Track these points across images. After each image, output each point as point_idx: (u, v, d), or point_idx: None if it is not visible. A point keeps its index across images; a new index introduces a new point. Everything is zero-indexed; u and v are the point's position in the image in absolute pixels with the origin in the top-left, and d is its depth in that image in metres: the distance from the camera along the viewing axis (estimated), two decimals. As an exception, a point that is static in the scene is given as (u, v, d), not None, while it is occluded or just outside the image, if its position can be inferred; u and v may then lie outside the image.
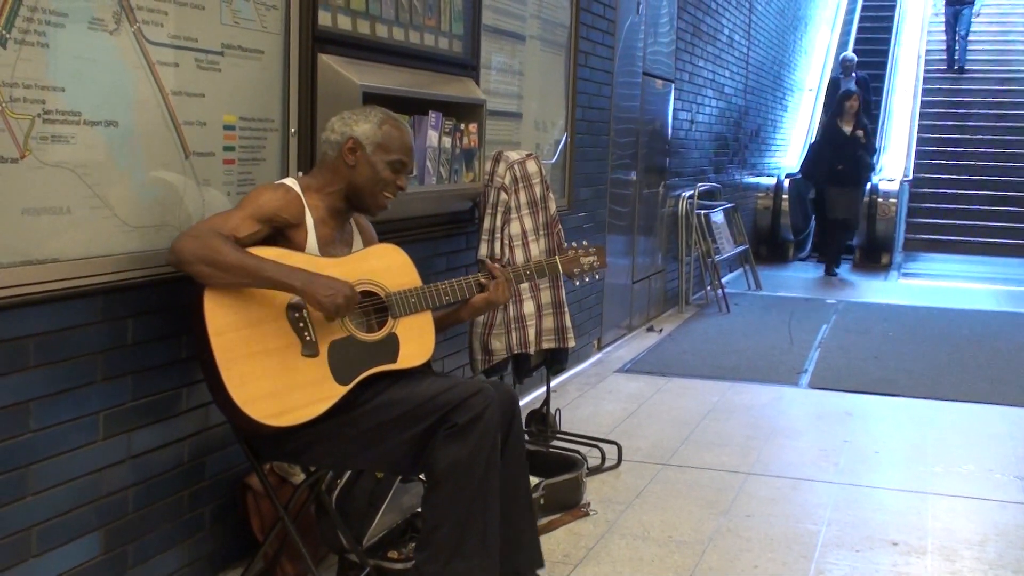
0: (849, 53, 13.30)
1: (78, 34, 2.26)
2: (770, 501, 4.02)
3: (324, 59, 3.07)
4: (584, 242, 3.13)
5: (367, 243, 2.85)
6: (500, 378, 4.41)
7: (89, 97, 2.29)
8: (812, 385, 6.01)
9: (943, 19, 15.77)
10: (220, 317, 2.39)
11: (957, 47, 15.45)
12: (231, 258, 2.38)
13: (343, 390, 2.54)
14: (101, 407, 2.50)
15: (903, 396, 5.77)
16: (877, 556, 3.49)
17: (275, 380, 2.44)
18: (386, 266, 2.72)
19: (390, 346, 2.66)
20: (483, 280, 2.89)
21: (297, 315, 2.49)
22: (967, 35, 15.54)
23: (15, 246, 2.15)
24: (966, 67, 15.32)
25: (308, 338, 2.50)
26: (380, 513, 3.24)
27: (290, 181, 2.64)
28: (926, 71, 14.83)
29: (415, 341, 2.71)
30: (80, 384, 2.43)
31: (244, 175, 2.83)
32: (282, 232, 2.57)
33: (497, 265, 2.97)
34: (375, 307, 2.67)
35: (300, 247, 2.59)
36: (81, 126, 2.28)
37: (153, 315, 2.63)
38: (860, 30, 16.23)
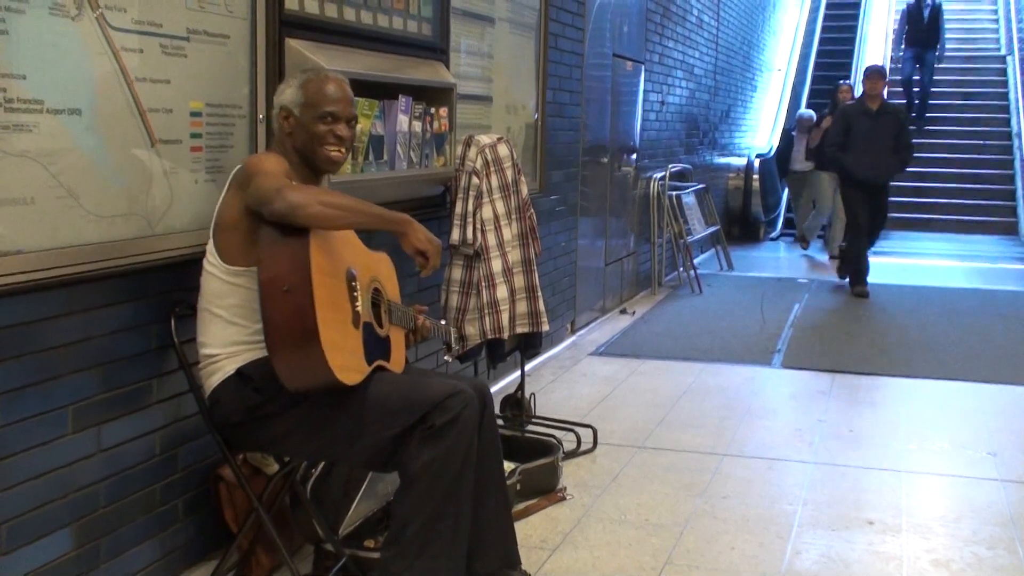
0: (805, 111, 12.06)
1: (39, 20, 2.20)
2: (746, 482, 4.03)
3: (291, 43, 3.02)
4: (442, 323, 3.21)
5: None
6: (475, 364, 4.40)
7: (51, 85, 2.24)
8: (785, 365, 6.04)
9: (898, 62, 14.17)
10: (319, 256, 2.36)
11: (916, 101, 13.94)
12: (338, 196, 2.40)
13: (367, 369, 2.55)
14: (70, 400, 2.46)
15: (876, 375, 5.81)
16: (853, 535, 3.51)
17: (337, 334, 2.42)
18: (387, 274, 2.80)
19: (387, 345, 2.70)
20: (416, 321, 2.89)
21: (353, 284, 2.51)
22: (930, 82, 13.98)
23: (-23, 238, 2.10)
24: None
25: (356, 309, 2.52)
26: (355, 502, 3.23)
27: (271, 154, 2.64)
28: (893, 51, 14.88)
29: (397, 351, 2.76)
30: (47, 377, 2.38)
31: (212, 162, 2.78)
32: None
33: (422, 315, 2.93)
34: (379, 307, 2.69)
35: None
36: (44, 114, 2.23)
37: (121, 306, 2.59)
38: (828, 7, 16.28)
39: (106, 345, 2.55)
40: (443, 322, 3.24)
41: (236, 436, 2.61)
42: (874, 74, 8.40)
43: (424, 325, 2.89)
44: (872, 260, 9.96)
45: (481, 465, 2.65)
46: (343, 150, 2.67)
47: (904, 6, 14.29)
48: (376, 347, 2.62)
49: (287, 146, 2.64)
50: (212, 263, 2.53)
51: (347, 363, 2.44)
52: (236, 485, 2.91)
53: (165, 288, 2.72)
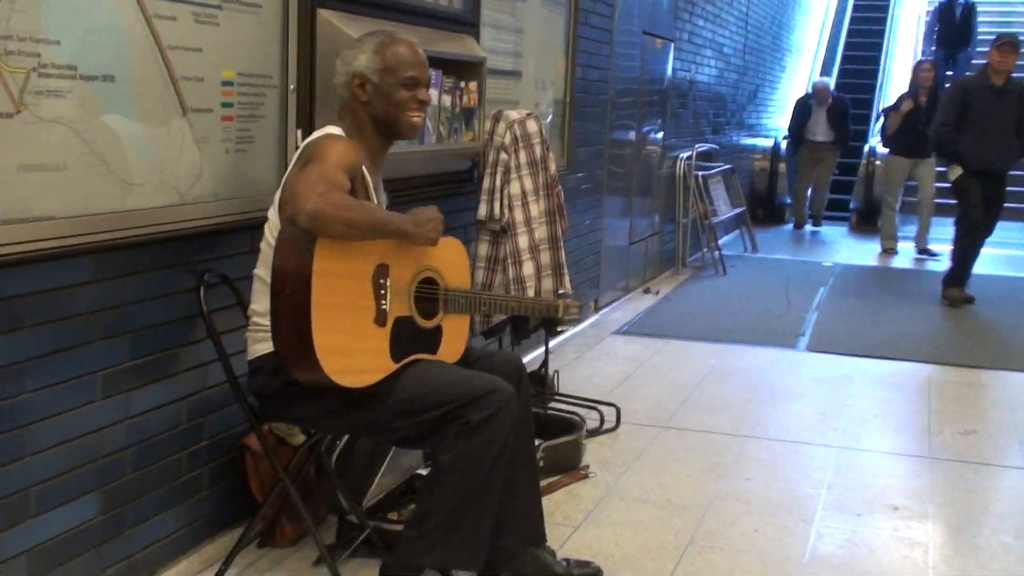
0: (820, 80, 12.07)
1: (73, -15, 2.19)
2: (769, 464, 4.01)
3: (323, 14, 3.00)
4: (571, 293, 3.09)
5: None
6: (499, 340, 4.39)
7: (85, 51, 2.23)
8: (810, 348, 6.00)
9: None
10: (326, 259, 2.32)
11: None
12: (366, 215, 2.33)
13: (393, 367, 2.50)
14: (99, 367, 2.47)
15: (903, 360, 5.76)
16: (878, 520, 3.49)
17: (347, 337, 2.40)
18: (450, 260, 2.69)
19: (435, 337, 2.64)
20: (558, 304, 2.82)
21: (381, 282, 2.45)
22: None
23: (10, 203, 2.10)
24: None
25: (383, 307, 2.46)
26: (379, 474, 3.23)
27: (337, 131, 2.55)
28: (925, 32, 14.68)
29: (454, 339, 2.70)
30: (77, 344, 2.39)
31: (243, 132, 2.77)
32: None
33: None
34: (433, 297, 2.63)
35: (363, 199, 2.52)
36: (77, 80, 2.22)
37: (150, 274, 2.59)
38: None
39: (135, 313, 2.56)
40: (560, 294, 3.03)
41: (268, 407, 2.61)
42: (1007, 45, 7.00)
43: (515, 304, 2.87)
44: (900, 245, 9.90)
45: (513, 440, 2.63)
46: (422, 114, 2.63)
47: (936, 4, 14.00)
48: (415, 341, 2.56)
49: (360, 115, 2.58)
50: (271, 233, 2.51)
51: (352, 366, 2.40)
52: (262, 455, 2.92)
53: (194, 257, 2.73)
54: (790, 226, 11.84)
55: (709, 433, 4.36)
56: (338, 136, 2.51)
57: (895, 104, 9.81)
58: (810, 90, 12.31)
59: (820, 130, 11.12)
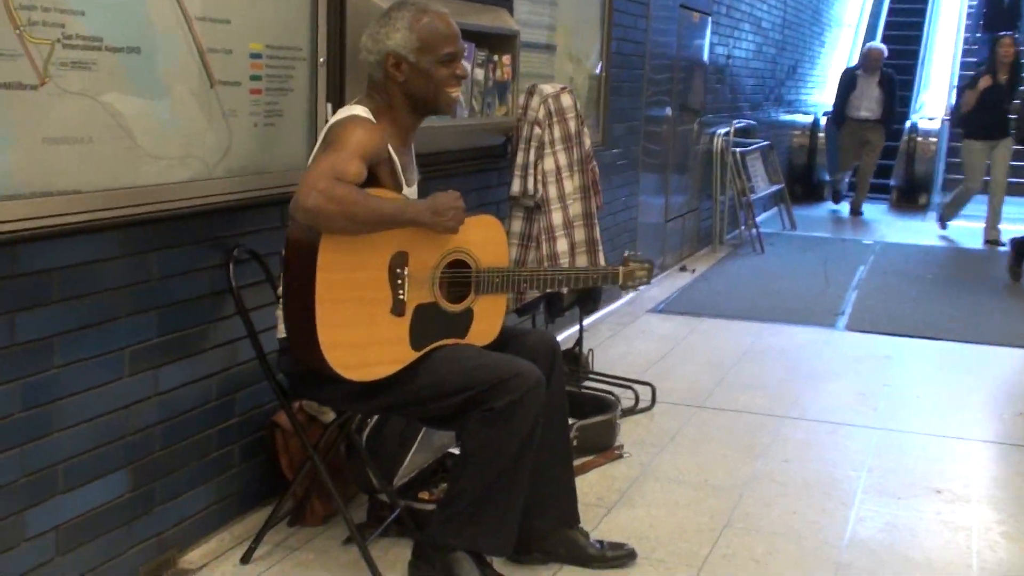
0: (876, 44, 11.26)
1: (98, -46, 2.15)
2: (807, 445, 3.93)
3: (353, -15, 2.95)
4: (638, 253, 3.00)
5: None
6: (532, 318, 4.34)
7: (110, 22, 2.20)
8: (849, 327, 5.89)
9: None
10: (332, 254, 2.28)
11: None
12: (370, 210, 2.25)
13: (414, 355, 2.45)
14: (127, 343, 2.44)
15: (944, 340, 5.64)
16: (920, 504, 3.40)
17: (359, 331, 2.36)
18: (483, 239, 2.60)
19: (464, 320, 2.58)
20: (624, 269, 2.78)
21: (398, 271, 2.40)
22: None
23: (36, 176, 2.07)
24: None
25: (401, 297, 2.41)
26: (411, 453, 3.19)
27: (363, 112, 2.45)
28: (969, 3, 14.37)
29: (487, 320, 2.63)
30: (105, 319, 2.37)
31: (271, 105, 2.73)
32: (370, 170, 2.40)
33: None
34: (463, 279, 2.57)
35: (388, 184, 2.46)
36: (103, 52, 2.18)
37: (178, 249, 2.56)
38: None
39: (163, 289, 2.53)
40: (627, 256, 2.87)
41: (297, 386, 2.58)
42: None
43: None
44: (956, 224, 9.69)
45: (546, 421, 2.58)
46: (461, 88, 2.56)
47: None
48: (441, 326, 2.51)
49: (394, 93, 2.49)
50: None
51: (363, 359, 2.37)
52: (292, 433, 2.89)
53: (223, 232, 2.69)
54: (829, 203, 11.66)
55: (746, 413, 4.29)
56: (361, 119, 2.42)
57: (971, 80, 9.15)
58: (859, 60, 11.34)
59: (866, 105, 10.50)
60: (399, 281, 2.41)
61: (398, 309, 2.42)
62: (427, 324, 2.48)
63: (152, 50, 2.32)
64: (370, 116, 2.45)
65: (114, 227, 2.30)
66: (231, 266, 2.65)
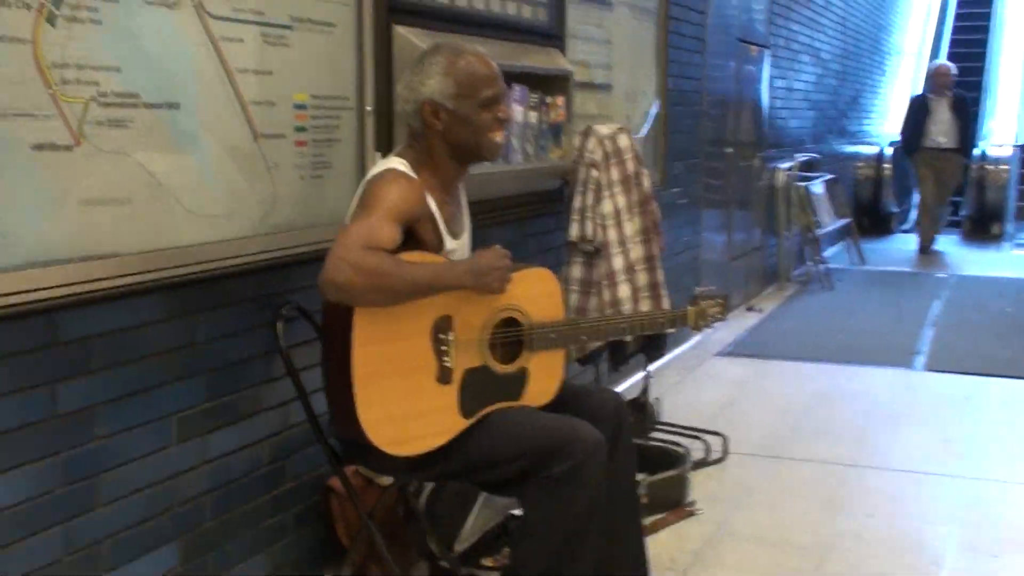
0: (943, 62, 10.54)
1: (133, 9, 2.07)
2: (892, 499, 3.70)
3: (399, 31, 2.85)
4: (712, 288, 2.85)
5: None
6: (596, 367, 4.18)
7: (147, 77, 2.11)
8: (928, 367, 5.63)
9: None
10: (369, 327, 2.15)
11: None
12: (404, 279, 2.11)
13: (464, 424, 2.31)
14: (173, 409, 2.34)
15: (1030, 378, 5.35)
16: (1018, 562, 3.16)
17: (403, 404, 2.22)
18: (534, 294, 2.45)
19: (518, 382, 2.42)
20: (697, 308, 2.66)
21: (442, 337, 2.26)
22: None
23: (73, 240, 1.99)
24: None
25: (447, 364, 2.27)
26: (472, 515, 3.05)
27: (401, 165, 2.31)
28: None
29: (543, 380, 2.47)
30: (149, 386, 2.26)
31: (317, 157, 2.63)
32: (409, 228, 2.27)
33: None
34: (514, 338, 2.42)
35: (430, 241, 2.32)
36: (139, 109, 2.10)
37: (224, 310, 2.46)
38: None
39: (210, 351, 2.43)
40: (697, 295, 2.76)
41: (349, 452, 2.45)
42: None
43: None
44: (1015, 253, 9.35)
45: (614, 484, 2.42)
46: (504, 132, 2.41)
47: None
48: (492, 390, 2.36)
49: (434, 143, 2.35)
50: None
51: (409, 433, 2.23)
52: (347, 497, 2.76)
53: (270, 290, 2.59)
54: (898, 236, 11.32)
55: (824, 463, 4.07)
56: (397, 174, 2.28)
57: None
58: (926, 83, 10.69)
59: (941, 131, 9.65)
60: (443, 347, 2.26)
61: (444, 377, 2.27)
62: (477, 389, 2.33)
63: (191, 105, 2.23)
64: (408, 169, 2.32)
65: (156, 290, 2.20)
66: (279, 325, 2.54)
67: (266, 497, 2.66)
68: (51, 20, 1.90)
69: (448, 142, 2.35)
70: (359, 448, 2.33)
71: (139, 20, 2.09)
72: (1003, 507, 3.60)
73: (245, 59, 2.37)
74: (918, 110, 9.99)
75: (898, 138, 12.20)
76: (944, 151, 9.75)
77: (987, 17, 14.39)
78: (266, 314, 2.57)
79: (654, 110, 4.98)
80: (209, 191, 2.30)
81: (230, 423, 2.52)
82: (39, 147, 1.90)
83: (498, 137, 2.38)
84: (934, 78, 10.00)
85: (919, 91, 13.00)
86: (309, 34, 2.57)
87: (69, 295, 1.99)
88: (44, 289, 1.93)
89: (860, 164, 11.45)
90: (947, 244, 10.64)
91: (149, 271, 2.15)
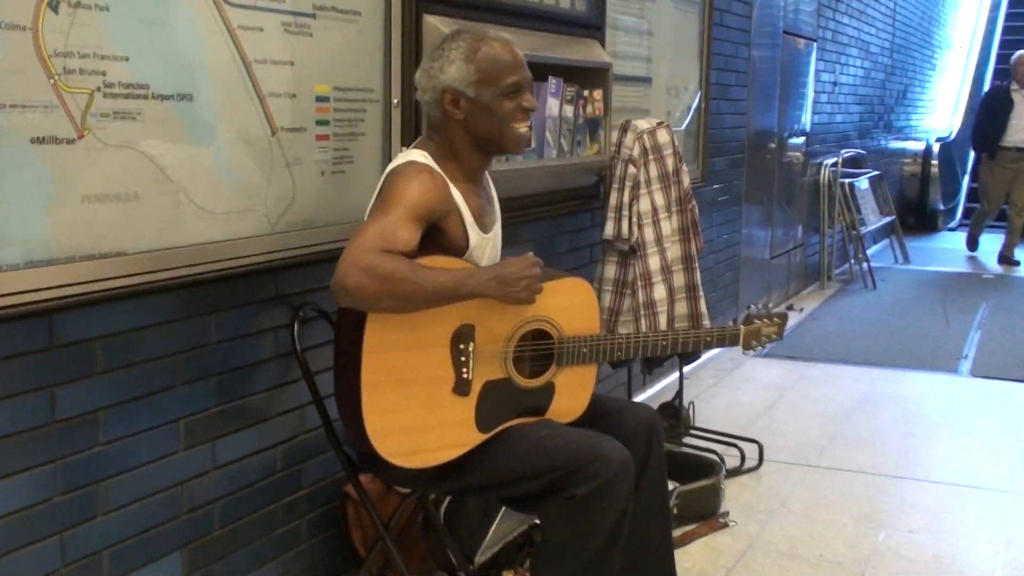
0: None
1: (144, -6, 1.97)
2: (935, 513, 3.54)
3: (430, 20, 2.73)
4: (769, 306, 2.71)
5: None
6: (628, 369, 4.05)
7: (158, 67, 2.01)
8: (975, 373, 5.43)
9: None
10: (380, 333, 2.04)
11: None
12: (421, 286, 1.99)
13: (481, 438, 2.19)
14: (181, 414, 2.24)
15: (1084, 387, 5.14)
16: (1072, 588, 3.00)
17: (415, 415, 2.11)
18: (567, 305, 2.31)
19: (543, 396, 2.30)
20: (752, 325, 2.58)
21: (462, 347, 2.14)
22: None
23: (75, 239, 1.89)
24: None
25: (465, 375, 2.15)
26: (495, 524, 2.94)
27: (422, 157, 2.18)
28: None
29: (570, 395, 2.34)
30: (156, 390, 2.17)
31: (340, 152, 2.52)
32: (434, 224, 2.16)
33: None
34: (543, 351, 2.29)
35: (458, 237, 2.20)
36: (149, 100, 2.00)
37: (238, 310, 2.35)
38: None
39: (222, 353, 2.33)
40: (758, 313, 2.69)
41: (364, 460, 2.34)
42: None
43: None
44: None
45: (644, 500, 2.30)
46: (529, 123, 2.26)
47: None
48: (514, 405, 2.24)
49: (455, 133, 2.23)
50: None
51: (419, 445, 2.12)
52: (363, 504, 2.65)
53: (287, 291, 2.49)
54: (944, 234, 11.03)
55: (864, 474, 3.91)
56: (419, 167, 2.15)
57: None
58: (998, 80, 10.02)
59: (1021, 128, 8.68)
60: (463, 358, 2.14)
61: (462, 388, 2.15)
62: (497, 403, 2.21)
63: (205, 97, 2.12)
64: (430, 161, 2.19)
65: (164, 290, 2.10)
66: (296, 326, 2.44)
67: (279, 504, 2.57)
68: (54, 6, 1.80)
69: (470, 132, 2.22)
70: (372, 458, 2.22)
71: (150, 7, 1.98)
72: (1053, 528, 3.44)
73: (264, 49, 2.25)
74: (999, 105, 8.96)
75: (947, 135, 11.91)
76: (1021, 151, 8.83)
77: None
78: (282, 315, 2.47)
79: (695, 102, 4.82)
80: (223, 187, 2.19)
81: (241, 428, 2.42)
82: (39, 140, 1.80)
83: (522, 128, 2.24)
84: (1021, 67, 8.94)
85: (972, 85, 12.69)
86: (333, 23, 2.45)
87: (71, 296, 1.89)
88: (44, 289, 1.84)
89: (907, 160, 11.17)
90: (993, 244, 10.34)
91: (157, 271, 2.05)
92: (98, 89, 1.89)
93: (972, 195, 12.04)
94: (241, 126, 2.22)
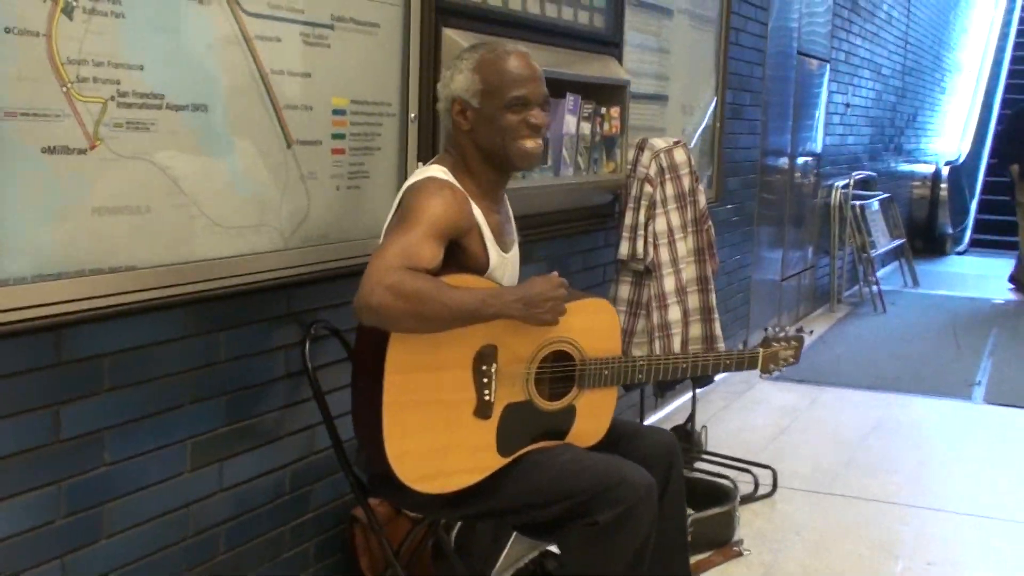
0: None
1: (160, 2, 1.91)
2: (954, 544, 3.46)
3: (448, 34, 2.67)
4: (789, 331, 2.66)
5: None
6: (640, 391, 3.98)
7: (173, 77, 1.95)
8: (988, 400, 5.36)
9: None
10: (403, 353, 1.98)
11: None
12: (446, 306, 1.92)
13: (502, 462, 2.12)
14: (189, 434, 2.18)
15: (1100, 416, 5.06)
16: (1098, 626, 2.92)
17: (436, 437, 2.05)
18: (589, 326, 2.26)
19: (565, 419, 2.23)
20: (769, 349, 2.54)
21: (484, 368, 2.08)
22: None
23: (85, 252, 1.83)
24: None
25: (487, 397, 2.09)
26: (506, 549, 2.86)
27: (441, 173, 2.14)
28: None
29: (592, 418, 2.28)
30: (163, 409, 2.10)
31: (356, 166, 2.46)
32: (455, 241, 2.10)
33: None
34: (565, 373, 2.23)
35: (478, 256, 2.14)
36: (163, 111, 1.94)
37: (249, 327, 2.29)
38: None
39: (231, 372, 2.26)
40: (779, 335, 2.64)
41: (376, 485, 2.27)
42: None
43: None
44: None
45: (663, 526, 2.22)
46: (539, 140, 2.17)
47: None
48: (535, 428, 2.18)
49: (465, 146, 2.18)
50: None
51: (440, 469, 2.05)
52: (372, 528, 2.58)
53: (299, 308, 2.42)
54: (952, 258, 10.96)
55: (879, 502, 3.83)
56: (440, 184, 2.10)
57: None
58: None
59: None
60: (485, 379, 2.08)
61: (483, 411, 2.09)
62: (519, 426, 2.14)
63: (220, 107, 2.06)
64: (449, 176, 2.14)
65: (176, 306, 2.03)
66: (307, 344, 2.37)
67: (286, 527, 2.49)
68: (68, 12, 1.74)
69: (477, 145, 2.17)
70: (385, 481, 2.15)
71: (167, 15, 1.93)
72: (1075, 562, 3.36)
73: (281, 60, 2.20)
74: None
75: (956, 158, 11.87)
76: None
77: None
78: (293, 332, 2.40)
79: (706, 121, 4.76)
80: (237, 201, 2.13)
81: (250, 448, 2.35)
82: (50, 150, 1.74)
83: (528, 143, 2.16)
84: None
85: (982, 110, 12.65)
86: (352, 35, 2.39)
87: (79, 311, 1.83)
88: (52, 304, 1.77)
89: (916, 183, 11.12)
90: (1000, 268, 10.27)
91: (167, 286, 1.99)
92: (112, 98, 1.83)
93: (979, 221, 12.01)
94: (256, 138, 2.16)
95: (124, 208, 1.88)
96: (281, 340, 2.38)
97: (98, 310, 1.87)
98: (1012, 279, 9.08)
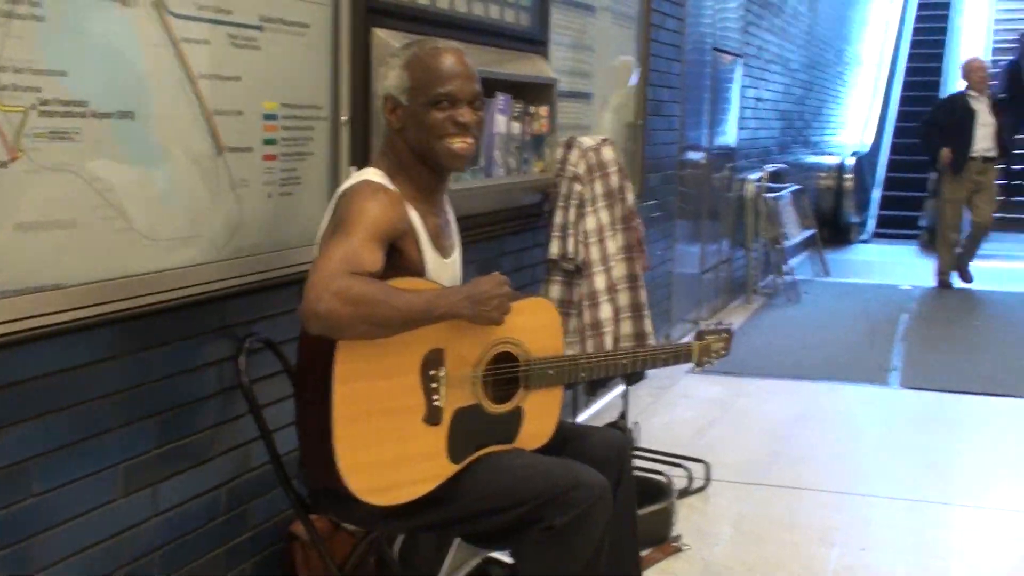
0: (977, 56, 9.13)
1: (82, 5, 1.81)
2: (886, 528, 3.53)
3: (379, 34, 2.60)
4: (720, 323, 2.72)
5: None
6: (574, 392, 3.96)
7: (97, 83, 1.84)
8: (905, 384, 5.50)
9: None
10: (351, 363, 1.91)
11: None
12: (395, 308, 1.87)
13: (453, 469, 2.07)
14: (120, 458, 2.07)
15: (1011, 396, 5.22)
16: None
17: (387, 448, 1.98)
18: (532, 325, 2.21)
19: (512, 422, 2.19)
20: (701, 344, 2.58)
21: (432, 373, 2.02)
22: None
23: (7, 271, 1.71)
24: None
25: (436, 403, 2.03)
26: (450, 556, 2.81)
27: (376, 176, 2.09)
28: (995, 41, 14.04)
29: (539, 420, 2.24)
30: (92, 433, 1.99)
31: (288, 173, 2.37)
32: (392, 244, 2.04)
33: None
34: (511, 374, 2.18)
35: (414, 260, 2.09)
36: (87, 119, 1.83)
37: (180, 344, 2.19)
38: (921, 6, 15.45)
39: (162, 391, 2.16)
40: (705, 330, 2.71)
41: (319, 501, 2.20)
42: None
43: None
44: (977, 264, 9.27)
45: (616, 527, 2.19)
46: (469, 140, 2.12)
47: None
48: (485, 432, 2.13)
49: (400, 147, 2.13)
50: None
51: (393, 480, 1.99)
52: (312, 545, 2.50)
53: (232, 321, 2.33)
54: (858, 246, 11.24)
55: (811, 491, 3.89)
56: (375, 187, 2.04)
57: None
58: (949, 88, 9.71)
59: (986, 135, 8.17)
60: (433, 384, 2.03)
61: (433, 417, 2.03)
62: (468, 431, 2.09)
63: (148, 114, 1.96)
64: (384, 179, 2.08)
65: (104, 324, 1.93)
66: (242, 358, 2.28)
67: (222, 549, 2.39)
68: (-17, 15, 1.63)
69: (408, 145, 2.12)
70: (330, 495, 2.09)
71: (89, 18, 1.82)
72: (1006, 538, 3.45)
73: (210, 63, 2.10)
74: (960, 117, 8.23)
75: (861, 149, 12.18)
76: (987, 160, 8.31)
77: (943, 32, 14.41)
78: (227, 347, 2.31)
79: (634, 120, 4.76)
80: (167, 212, 2.03)
81: (184, 469, 2.25)
82: (-33, 164, 1.63)
83: (455, 143, 2.10)
84: (974, 73, 8.31)
85: (883, 102, 13.00)
86: (281, 36, 2.30)
87: (2, 334, 1.72)
88: (-28, 327, 1.66)
89: (822, 175, 11.37)
90: (904, 255, 10.59)
91: (95, 304, 1.88)
92: (33, 107, 1.72)
93: (884, 209, 12.35)
94: (185, 146, 2.06)
95: (48, 223, 1.77)
96: (215, 355, 2.29)
97: (21, 332, 1.76)
98: (940, 280, 8.67)
